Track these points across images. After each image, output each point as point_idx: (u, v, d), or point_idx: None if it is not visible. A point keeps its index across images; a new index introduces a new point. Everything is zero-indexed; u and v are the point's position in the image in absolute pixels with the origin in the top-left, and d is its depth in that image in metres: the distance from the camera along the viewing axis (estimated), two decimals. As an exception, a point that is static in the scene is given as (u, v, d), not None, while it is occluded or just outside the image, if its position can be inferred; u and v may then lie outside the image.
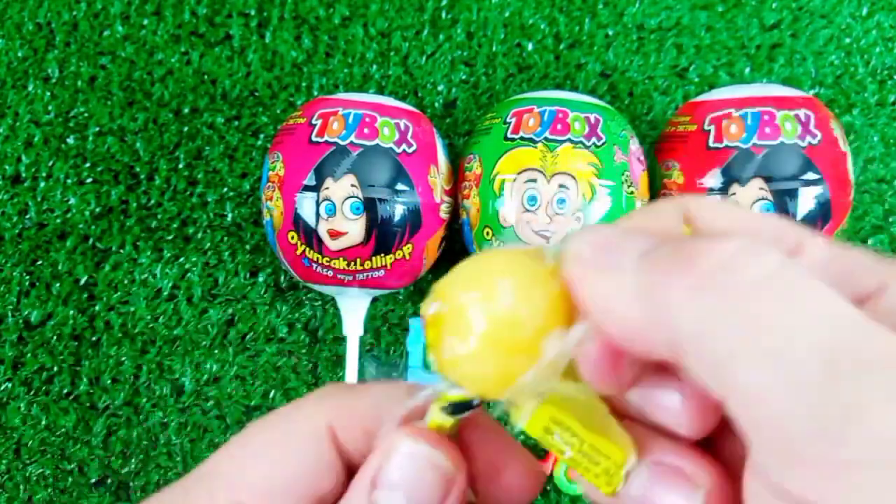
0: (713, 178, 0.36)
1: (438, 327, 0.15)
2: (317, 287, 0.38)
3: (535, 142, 0.36)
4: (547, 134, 0.36)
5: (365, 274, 0.36)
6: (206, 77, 0.45)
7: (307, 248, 0.36)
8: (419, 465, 0.15)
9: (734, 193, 0.36)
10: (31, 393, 0.42)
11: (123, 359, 0.42)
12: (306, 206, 0.35)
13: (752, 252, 0.12)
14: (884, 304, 0.14)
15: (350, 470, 0.16)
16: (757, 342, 0.11)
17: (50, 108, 0.45)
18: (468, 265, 0.15)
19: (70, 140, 0.45)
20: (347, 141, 0.36)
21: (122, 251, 0.43)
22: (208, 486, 0.15)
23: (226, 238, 0.43)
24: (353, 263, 0.36)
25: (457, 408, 0.15)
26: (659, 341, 0.13)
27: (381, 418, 0.15)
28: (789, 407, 0.11)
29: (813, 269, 0.14)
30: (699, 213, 0.15)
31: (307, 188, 0.35)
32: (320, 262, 0.36)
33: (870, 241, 0.43)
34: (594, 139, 0.36)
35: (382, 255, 0.36)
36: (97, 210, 0.44)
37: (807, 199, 0.35)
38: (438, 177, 0.37)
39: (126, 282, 0.43)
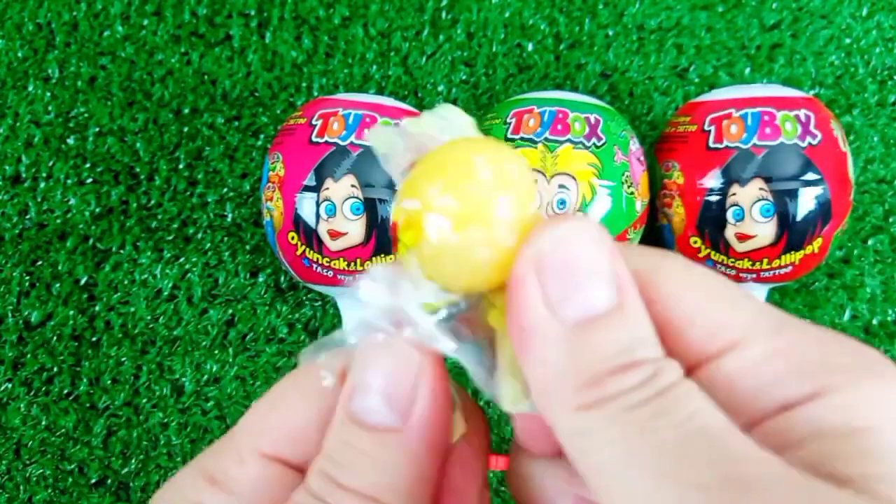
0: (713, 179, 0.36)
1: (414, 226, 0.15)
2: (317, 287, 0.38)
3: (535, 142, 0.36)
4: (547, 134, 0.36)
5: (365, 274, 0.36)
6: (206, 77, 0.45)
7: (307, 249, 0.36)
8: (389, 360, 0.15)
9: (734, 193, 0.36)
10: (31, 393, 0.42)
11: (123, 359, 0.42)
12: (306, 206, 0.35)
13: (654, 377, 0.13)
14: (805, 415, 0.14)
15: None
16: (635, 464, 0.13)
17: (50, 108, 0.45)
18: (431, 159, 0.15)
19: (70, 140, 0.45)
20: (347, 141, 0.36)
21: (122, 251, 0.43)
22: (235, 441, 0.17)
23: (226, 238, 0.43)
24: (353, 264, 0.36)
25: (446, 316, 0.15)
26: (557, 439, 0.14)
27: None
28: None
29: (743, 370, 0.14)
30: (665, 287, 0.15)
31: (307, 188, 0.35)
32: (320, 262, 0.36)
33: (870, 242, 0.43)
34: (594, 139, 0.36)
35: (383, 255, 0.36)
36: (97, 210, 0.44)
37: (807, 200, 0.35)
38: (438, 177, 0.37)
39: (126, 282, 0.43)
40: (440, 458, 0.16)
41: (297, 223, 0.36)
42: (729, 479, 0.12)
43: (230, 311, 0.43)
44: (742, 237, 0.36)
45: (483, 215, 0.14)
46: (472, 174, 0.14)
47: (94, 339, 0.43)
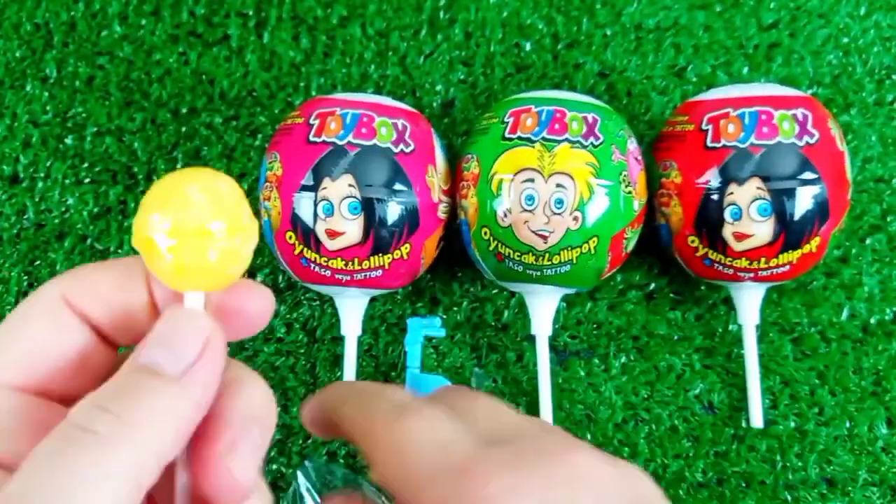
0: (711, 178, 0.36)
1: (150, 246, 0.18)
2: (315, 287, 0.38)
3: (532, 141, 0.36)
4: (544, 134, 0.36)
5: (363, 274, 0.36)
6: (203, 77, 0.45)
7: (305, 248, 0.36)
8: (181, 321, 0.18)
9: (732, 192, 0.36)
10: (30, 393, 0.42)
11: (121, 359, 0.42)
12: (304, 206, 0.35)
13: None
14: None
15: (101, 333, 0.19)
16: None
17: (48, 108, 0.45)
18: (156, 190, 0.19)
19: (68, 140, 0.45)
20: (345, 141, 0.36)
21: (120, 251, 0.43)
22: None
23: (224, 238, 0.43)
24: (350, 263, 0.36)
25: None
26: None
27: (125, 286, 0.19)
28: None
29: None
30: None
31: (305, 188, 0.35)
32: (318, 262, 0.36)
33: (868, 241, 0.43)
34: (592, 139, 0.36)
35: (380, 255, 0.36)
36: (95, 210, 0.44)
37: (804, 199, 0.35)
38: (436, 177, 0.37)
39: (124, 282, 0.43)
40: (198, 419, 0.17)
41: (295, 223, 0.36)
42: None
43: (228, 310, 0.43)
44: (740, 236, 0.36)
45: (202, 230, 0.18)
46: (189, 202, 0.18)
47: (92, 338, 0.43)
